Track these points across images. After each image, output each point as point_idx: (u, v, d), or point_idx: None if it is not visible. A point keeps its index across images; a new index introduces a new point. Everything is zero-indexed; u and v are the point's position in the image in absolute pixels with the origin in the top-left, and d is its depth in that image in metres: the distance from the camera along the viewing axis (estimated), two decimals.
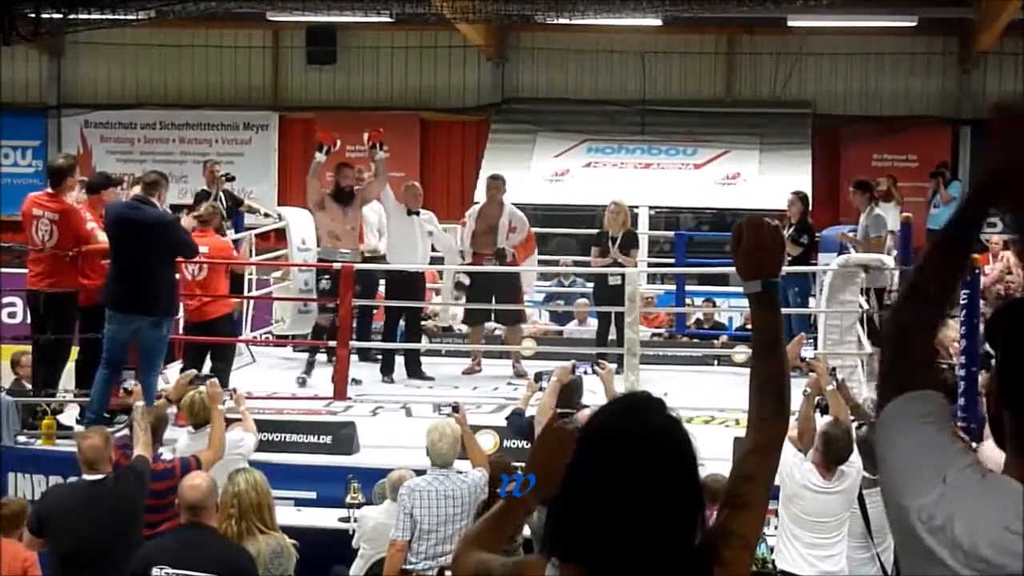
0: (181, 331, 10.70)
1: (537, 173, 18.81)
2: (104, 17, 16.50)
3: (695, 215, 18.96)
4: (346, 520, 7.94)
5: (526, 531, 6.72)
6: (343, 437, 9.18)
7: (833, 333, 10.91)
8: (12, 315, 16.40)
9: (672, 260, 14.78)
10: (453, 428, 7.47)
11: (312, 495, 8.44)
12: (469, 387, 11.16)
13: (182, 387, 7.97)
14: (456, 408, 7.90)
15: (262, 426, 8.58)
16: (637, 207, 15.48)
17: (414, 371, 11.50)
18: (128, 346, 9.11)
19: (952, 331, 9.55)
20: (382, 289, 12.18)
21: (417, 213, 11.69)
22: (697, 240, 17.29)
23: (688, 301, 14.77)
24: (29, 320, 10.67)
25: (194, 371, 8.63)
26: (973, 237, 2.27)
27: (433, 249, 12.05)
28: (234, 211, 12.97)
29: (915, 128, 19.52)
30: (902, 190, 16.21)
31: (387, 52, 20.58)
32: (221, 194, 12.61)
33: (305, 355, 11.65)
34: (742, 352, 12.37)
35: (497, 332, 12.55)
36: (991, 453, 2.29)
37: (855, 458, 7.14)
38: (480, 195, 16.93)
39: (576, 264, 15.00)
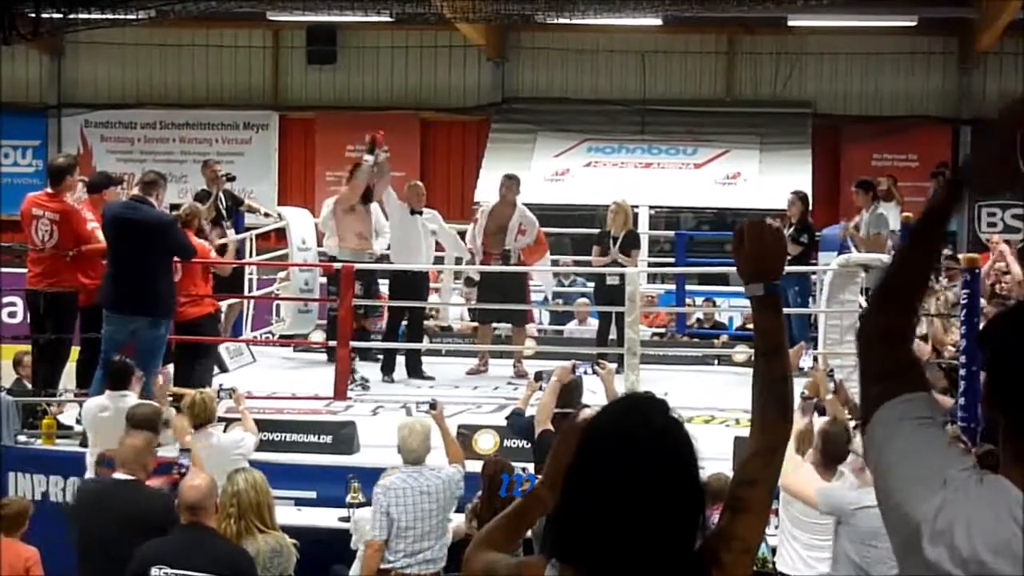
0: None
1: (537, 173, 18.80)
2: (104, 17, 16.49)
3: (695, 215, 18.96)
4: (346, 520, 7.94)
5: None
6: (343, 437, 9.17)
7: (833, 333, 10.91)
8: (12, 315, 16.40)
9: (672, 260, 14.78)
10: (423, 425, 7.52)
11: (312, 495, 8.43)
12: (469, 387, 11.16)
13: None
14: (433, 405, 7.96)
15: (262, 426, 8.58)
16: (637, 207, 15.46)
17: (414, 371, 11.50)
18: (127, 346, 9.09)
19: (952, 332, 9.56)
20: (383, 289, 12.17)
21: (420, 213, 11.69)
22: (697, 240, 17.31)
23: (688, 301, 14.78)
24: (29, 320, 10.66)
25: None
26: (939, 234, 2.26)
27: (438, 247, 12.05)
28: (234, 211, 12.94)
29: (915, 128, 19.52)
30: (902, 190, 16.20)
31: (387, 52, 20.58)
32: (221, 194, 12.60)
33: (304, 355, 11.65)
34: (742, 352, 12.39)
35: (497, 332, 12.54)
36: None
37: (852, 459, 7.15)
38: (480, 194, 16.99)
39: (576, 264, 15.01)
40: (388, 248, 11.94)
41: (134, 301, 9.04)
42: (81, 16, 16.01)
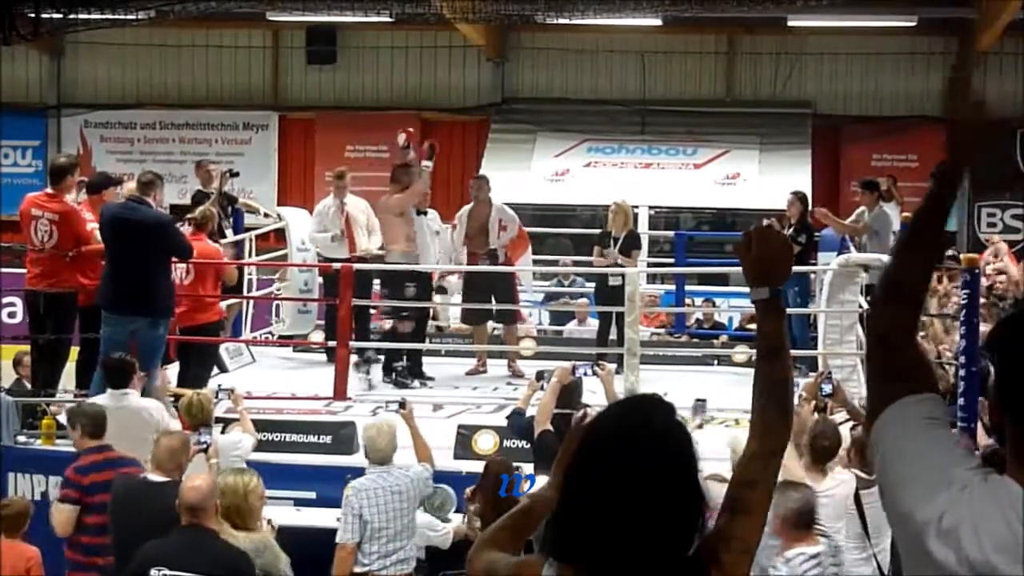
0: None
1: (537, 173, 18.81)
2: (104, 17, 16.51)
3: (695, 215, 18.96)
4: None
5: None
6: (343, 437, 9.17)
7: (833, 333, 10.91)
8: (12, 315, 16.39)
9: (672, 260, 14.77)
10: (390, 425, 7.55)
11: (312, 495, 8.43)
12: (469, 387, 11.16)
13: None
14: (403, 404, 7.98)
15: (262, 426, 8.58)
16: (637, 207, 15.47)
17: (415, 371, 11.49)
18: (126, 347, 9.07)
19: (953, 333, 9.55)
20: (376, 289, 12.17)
21: (425, 213, 11.71)
22: (697, 240, 17.31)
23: (688, 301, 14.77)
24: (28, 320, 10.65)
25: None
26: (940, 227, 2.26)
27: None
28: (231, 208, 12.87)
29: (915, 128, 19.49)
30: (902, 190, 16.18)
31: (387, 52, 20.58)
32: (224, 192, 12.53)
33: (304, 355, 11.64)
34: (742, 352, 12.38)
35: (496, 332, 12.53)
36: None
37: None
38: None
39: (576, 264, 15.01)
40: (381, 247, 11.93)
41: (133, 302, 9.03)
42: (81, 16, 16.03)
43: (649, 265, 14.82)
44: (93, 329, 9.45)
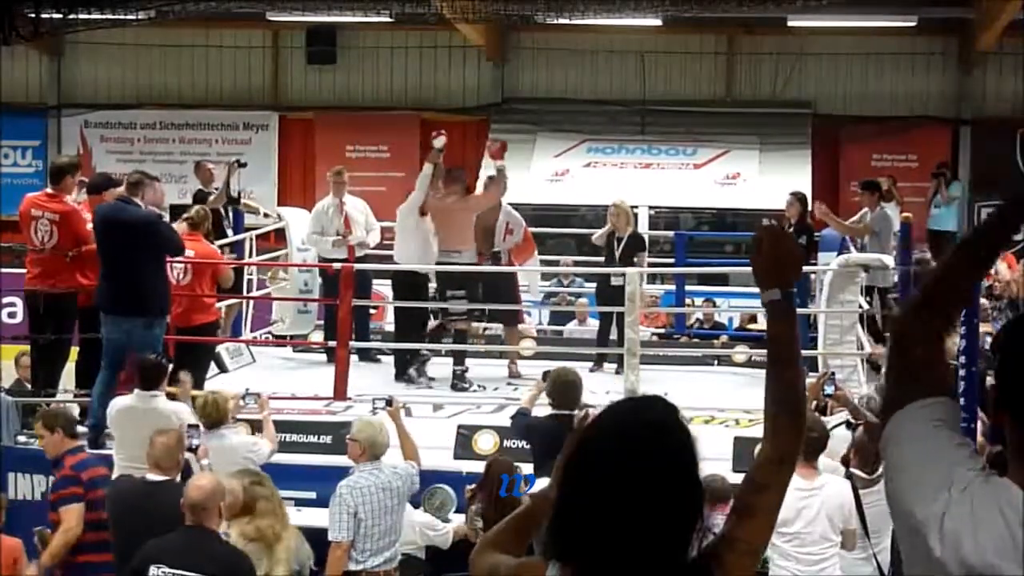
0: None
1: (537, 173, 18.80)
2: (104, 17, 16.50)
3: (695, 215, 18.96)
4: None
5: None
6: (343, 437, 9.13)
7: (833, 333, 10.90)
8: (12, 315, 16.38)
9: (672, 260, 14.77)
10: (380, 423, 7.58)
11: (312, 495, 8.42)
12: (469, 387, 11.14)
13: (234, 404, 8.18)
14: (390, 402, 8.00)
15: (259, 426, 8.58)
16: (637, 207, 15.47)
17: (421, 371, 11.44)
18: (125, 347, 9.06)
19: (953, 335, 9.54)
20: (377, 289, 12.18)
21: (426, 214, 11.66)
22: (697, 240, 17.31)
23: (688, 301, 14.77)
24: (28, 320, 10.65)
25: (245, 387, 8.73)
26: (993, 250, 2.26)
27: None
28: (234, 206, 12.84)
29: (915, 128, 19.52)
30: (902, 190, 16.21)
31: (387, 52, 20.58)
32: (231, 182, 12.47)
33: (304, 355, 11.63)
34: (742, 352, 12.38)
35: (496, 332, 12.52)
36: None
37: (829, 464, 7.19)
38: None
39: (576, 264, 15.01)
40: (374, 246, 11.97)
41: (126, 302, 9.00)
42: (81, 16, 16.01)
43: (649, 265, 14.83)
44: (93, 329, 9.45)
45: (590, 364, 11.38)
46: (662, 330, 14.54)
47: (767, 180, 18.00)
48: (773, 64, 19.87)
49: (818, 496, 6.93)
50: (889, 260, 11.42)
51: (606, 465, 2.31)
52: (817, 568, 6.90)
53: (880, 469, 6.06)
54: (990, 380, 2.17)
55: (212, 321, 10.79)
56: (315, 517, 8.08)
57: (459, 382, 10.93)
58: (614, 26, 18.92)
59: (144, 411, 7.95)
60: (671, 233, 16.26)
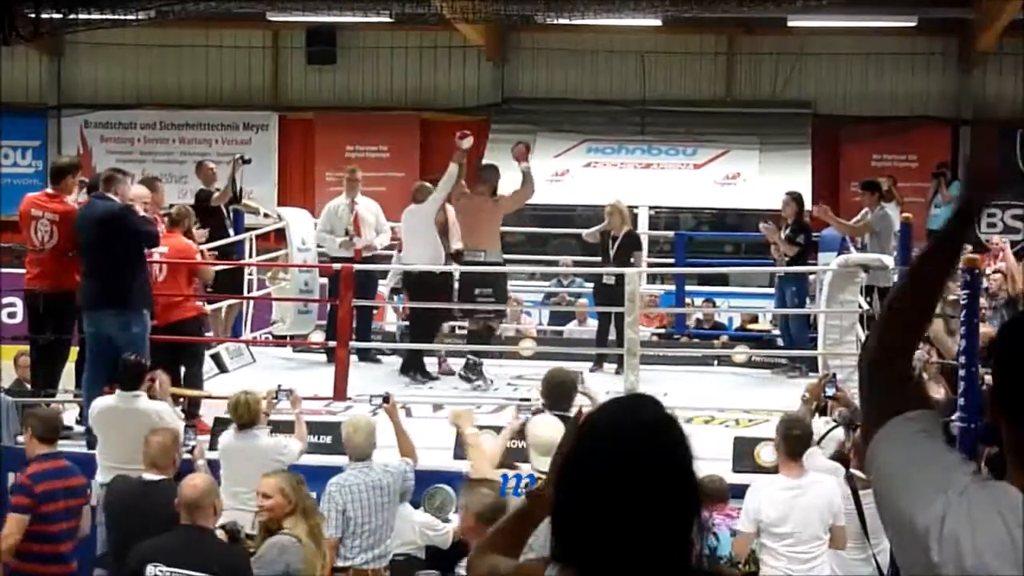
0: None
1: (537, 173, 18.65)
2: (104, 17, 16.51)
3: (695, 215, 18.96)
4: None
5: None
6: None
7: (833, 333, 10.90)
8: (12, 315, 16.38)
9: (672, 260, 14.78)
10: (368, 421, 7.58)
11: (312, 495, 8.41)
12: (469, 387, 11.14)
13: (267, 403, 8.18)
14: (387, 399, 8.00)
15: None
16: (637, 207, 15.47)
17: (420, 370, 11.44)
18: (107, 342, 8.98)
19: (953, 336, 9.55)
20: (381, 289, 12.17)
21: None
22: (697, 240, 17.30)
23: (688, 301, 14.78)
24: (28, 320, 10.63)
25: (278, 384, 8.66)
26: (951, 258, 2.25)
27: None
28: (235, 205, 12.81)
29: (915, 128, 19.52)
30: (902, 190, 16.19)
31: (387, 52, 20.58)
32: (236, 179, 12.45)
33: (304, 355, 11.62)
34: (742, 352, 12.39)
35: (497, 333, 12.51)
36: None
37: (830, 465, 7.18)
38: None
39: (576, 264, 15.00)
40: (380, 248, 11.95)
41: (100, 298, 8.99)
42: (81, 16, 16.03)
43: (649, 265, 14.83)
44: None
45: (590, 364, 11.39)
46: (662, 330, 14.54)
47: (767, 180, 17.98)
48: (773, 64, 19.87)
49: (806, 494, 6.94)
50: (889, 260, 11.42)
51: (599, 465, 2.31)
52: (807, 567, 6.89)
53: None
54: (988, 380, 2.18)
55: (191, 318, 10.49)
56: None
57: (470, 373, 10.94)
58: (614, 26, 18.93)
59: (125, 411, 7.94)
60: (671, 233, 16.25)
